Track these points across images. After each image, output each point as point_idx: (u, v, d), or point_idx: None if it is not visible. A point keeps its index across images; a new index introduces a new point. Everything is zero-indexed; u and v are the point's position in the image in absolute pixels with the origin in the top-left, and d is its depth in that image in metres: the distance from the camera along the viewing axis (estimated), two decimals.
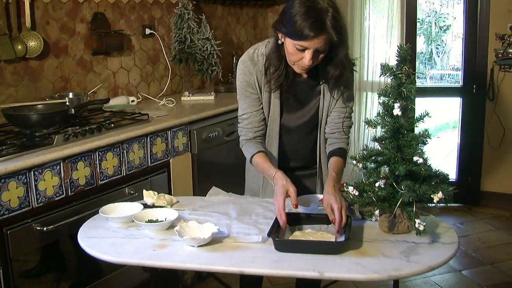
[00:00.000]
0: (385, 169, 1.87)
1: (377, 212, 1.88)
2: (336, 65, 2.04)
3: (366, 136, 4.76)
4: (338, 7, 1.95)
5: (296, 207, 1.94)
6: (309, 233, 1.92)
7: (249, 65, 2.16)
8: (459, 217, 4.54)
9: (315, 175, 2.35)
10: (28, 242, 2.32)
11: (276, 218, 1.92)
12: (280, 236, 1.88)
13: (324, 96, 2.20)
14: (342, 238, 1.83)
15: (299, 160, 2.33)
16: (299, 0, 1.91)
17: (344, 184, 1.94)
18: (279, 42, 2.03)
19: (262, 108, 2.21)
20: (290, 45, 1.96)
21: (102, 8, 3.42)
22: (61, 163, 2.42)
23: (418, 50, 5.67)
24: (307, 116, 2.24)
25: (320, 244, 1.81)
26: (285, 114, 2.22)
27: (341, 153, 2.22)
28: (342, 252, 1.75)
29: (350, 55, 2.15)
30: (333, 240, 1.85)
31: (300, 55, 1.96)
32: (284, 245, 1.79)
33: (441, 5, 9.02)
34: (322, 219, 1.96)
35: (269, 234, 1.81)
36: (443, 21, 9.25)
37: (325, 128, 2.25)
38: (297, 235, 1.90)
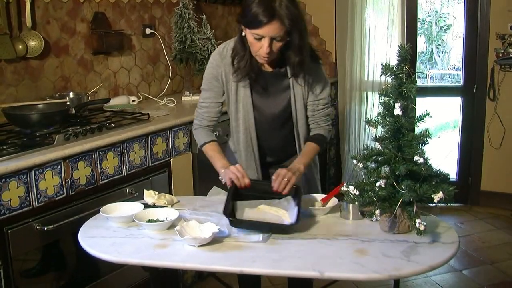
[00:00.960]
0: (385, 169, 1.88)
1: (377, 211, 1.88)
2: (294, 52, 2.12)
3: (367, 136, 4.76)
4: None
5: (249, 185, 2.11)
6: (261, 209, 2.04)
7: (218, 59, 2.28)
8: (459, 217, 4.54)
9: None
10: (29, 242, 2.32)
11: (228, 195, 2.05)
12: (236, 209, 2.04)
13: (294, 89, 2.26)
14: (293, 220, 1.92)
15: (274, 153, 2.40)
16: None
17: (345, 184, 1.94)
18: (243, 34, 2.13)
19: (222, 102, 2.35)
20: (249, 35, 2.07)
21: (102, 7, 3.43)
22: (62, 163, 2.42)
23: (418, 49, 5.67)
24: (278, 108, 2.30)
25: (272, 225, 1.92)
26: (255, 106, 2.30)
27: (315, 137, 2.34)
28: (293, 232, 1.89)
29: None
30: (287, 214, 2.00)
31: (259, 44, 2.06)
32: (240, 224, 1.93)
33: (441, 5, 9.02)
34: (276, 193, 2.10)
35: (224, 213, 1.93)
36: (444, 20, 9.25)
37: (299, 121, 2.31)
38: (249, 211, 2.04)
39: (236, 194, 2.10)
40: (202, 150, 2.36)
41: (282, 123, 2.32)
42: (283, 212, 2.02)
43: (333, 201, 2.16)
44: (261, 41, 2.04)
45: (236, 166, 2.15)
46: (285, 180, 2.09)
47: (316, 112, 2.33)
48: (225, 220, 2.00)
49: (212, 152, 2.30)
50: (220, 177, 2.23)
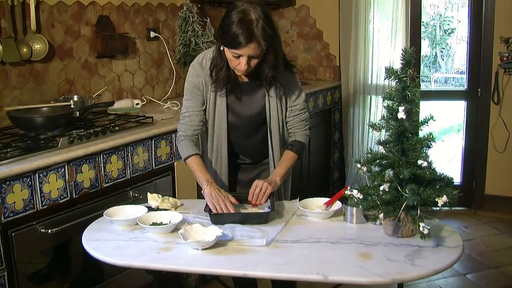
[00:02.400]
0: (389, 173, 1.87)
1: (381, 215, 1.88)
2: (268, 68, 2.23)
3: (370, 140, 4.75)
4: (270, 17, 2.15)
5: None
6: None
7: (198, 68, 2.35)
8: (463, 221, 4.53)
9: (266, 170, 2.48)
10: (33, 245, 2.33)
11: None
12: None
13: (269, 97, 2.35)
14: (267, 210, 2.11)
15: (248, 155, 2.49)
16: (233, 11, 2.12)
17: (348, 187, 1.94)
18: (221, 48, 2.21)
19: (204, 110, 2.38)
20: (227, 52, 2.17)
21: (107, 11, 3.43)
22: (66, 166, 2.43)
23: (422, 53, 5.65)
24: (254, 113, 2.38)
25: (250, 215, 2.09)
26: (232, 113, 2.37)
27: (294, 145, 2.41)
28: (270, 221, 2.03)
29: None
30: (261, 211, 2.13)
31: (237, 61, 2.15)
32: (219, 218, 2.03)
33: (445, 9, 9.02)
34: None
35: (206, 209, 2.08)
36: (448, 24, 9.25)
37: (273, 126, 2.39)
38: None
39: None
40: (185, 163, 2.34)
41: (257, 127, 2.41)
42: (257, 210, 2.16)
43: (337, 204, 2.16)
44: (239, 59, 2.13)
45: (223, 193, 2.16)
46: (262, 192, 2.19)
47: (292, 117, 2.42)
48: (229, 224, 2.00)
49: (195, 165, 2.30)
50: (202, 191, 2.23)
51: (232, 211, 2.08)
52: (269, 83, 2.30)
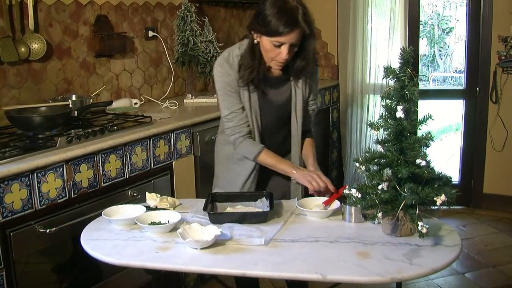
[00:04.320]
0: (388, 172, 1.87)
1: (379, 214, 1.88)
2: (303, 57, 2.25)
3: (368, 139, 4.76)
4: (306, 5, 2.16)
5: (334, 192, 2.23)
6: (239, 208, 2.14)
7: (226, 66, 2.30)
8: (462, 220, 4.53)
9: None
10: (31, 244, 2.33)
11: (207, 198, 2.15)
12: (216, 209, 2.15)
13: (296, 91, 2.38)
14: (266, 210, 2.08)
15: (274, 150, 2.44)
16: (270, 2, 2.12)
17: (347, 186, 1.94)
18: (255, 42, 2.20)
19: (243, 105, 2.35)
20: (267, 42, 2.16)
21: (105, 10, 3.43)
22: (64, 166, 2.43)
23: (420, 52, 5.67)
24: (281, 110, 2.39)
25: (248, 214, 2.06)
26: (262, 110, 2.36)
27: (311, 133, 2.56)
28: (268, 220, 2.02)
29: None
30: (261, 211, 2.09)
31: (277, 50, 2.16)
32: (218, 218, 2.02)
33: (444, 8, 9.02)
34: (252, 197, 2.21)
35: (205, 209, 2.05)
36: (446, 23, 9.25)
37: (298, 121, 2.41)
38: (229, 211, 2.12)
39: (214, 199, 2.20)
40: (256, 161, 2.36)
41: (283, 122, 2.41)
42: (258, 210, 2.12)
43: (335, 203, 2.16)
44: (280, 48, 2.14)
45: (318, 173, 2.29)
46: (322, 185, 2.24)
47: (309, 112, 2.50)
48: (227, 224, 2.00)
49: (271, 159, 2.34)
50: (292, 179, 2.38)
51: (330, 187, 2.23)
52: (298, 75, 2.32)
